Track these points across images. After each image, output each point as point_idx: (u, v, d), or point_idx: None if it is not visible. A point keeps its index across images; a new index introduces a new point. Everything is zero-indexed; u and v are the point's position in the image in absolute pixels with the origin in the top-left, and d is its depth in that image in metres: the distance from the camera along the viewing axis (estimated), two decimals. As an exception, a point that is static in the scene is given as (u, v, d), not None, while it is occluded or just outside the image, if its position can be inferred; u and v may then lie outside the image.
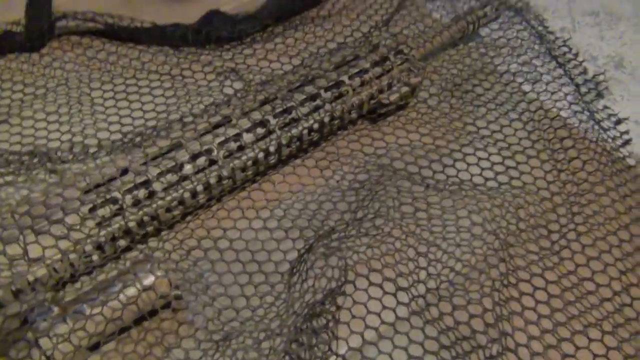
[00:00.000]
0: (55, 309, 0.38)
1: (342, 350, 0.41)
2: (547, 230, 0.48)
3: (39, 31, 0.62)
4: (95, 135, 0.54)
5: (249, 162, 0.48)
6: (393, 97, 0.54)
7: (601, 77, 0.59)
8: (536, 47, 0.63)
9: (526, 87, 0.58)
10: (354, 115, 0.54)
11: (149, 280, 0.40)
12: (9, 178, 0.48)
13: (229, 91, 0.58)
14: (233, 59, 0.61)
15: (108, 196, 0.43)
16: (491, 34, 0.63)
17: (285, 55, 0.61)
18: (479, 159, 0.53)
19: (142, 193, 0.44)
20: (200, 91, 0.58)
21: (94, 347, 0.39)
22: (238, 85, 0.59)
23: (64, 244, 0.41)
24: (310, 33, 0.63)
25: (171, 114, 0.56)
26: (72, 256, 0.42)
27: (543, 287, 0.45)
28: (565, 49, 0.62)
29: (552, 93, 0.58)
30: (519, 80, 0.59)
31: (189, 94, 0.58)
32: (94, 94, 0.58)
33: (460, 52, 0.61)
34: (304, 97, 0.50)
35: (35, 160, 0.50)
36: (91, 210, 0.42)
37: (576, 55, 0.61)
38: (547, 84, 0.59)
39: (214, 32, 0.61)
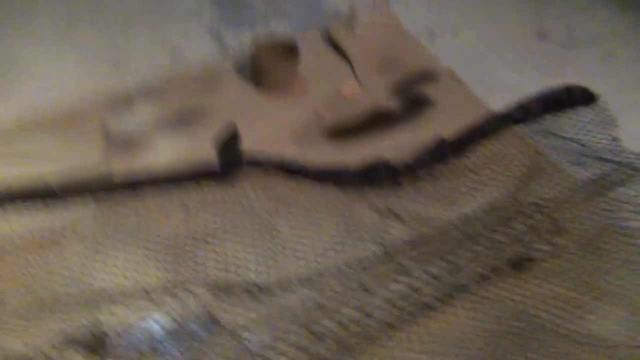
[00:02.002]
0: None
1: None
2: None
3: (231, 167, 0.75)
4: (281, 263, 0.65)
5: (421, 306, 0.58)
6: (539, 254, 0.62)
7: None
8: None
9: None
10: (504, 266, 0.62)
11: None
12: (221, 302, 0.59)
13: (391, 231, 0.68)
14: (392, 201, 0.72)
15: (311, 329, 0.53)
16: (619, 195, 0.71)
17: (438, 202, 0.71)
18: (611, 314, 0.60)
19: (335, 326, 0.54)
20: (367, 229, 0.69)
21: None
22: (398, 226, 0.69)
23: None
24: (459, 183, 0.73)
25: (343, 247, 0.66)
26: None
27: None
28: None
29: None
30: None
31: (357, 230, 0.68)
32: (277, 224, 0.69)
33: (590, 208, 0.69)
34: (467, 252, 0.60)
35: (242, 286, 0.61)
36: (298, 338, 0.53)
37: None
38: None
39: (377, 177, 0.73)
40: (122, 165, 0.77)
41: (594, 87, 0.86)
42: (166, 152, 0.80)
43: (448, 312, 0.61)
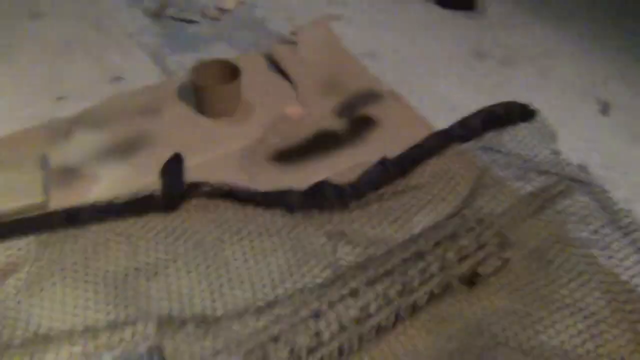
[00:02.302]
0: None
1: None
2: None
3: (176, 196, 0.73)
4: (232, 293, 0.63)
5: (374, 328, 0.57)
6: (488, 270, 0.63)
7: (665, 248, 0.68)
8: (602, 216, 0.72)
9: (602, 260, 0.67)
10: (455, 283, 0.62)
11: None
12: (169, 337, 0.57)
13: (341, 254, 0.67)
14: (341, 222, 0.71)
15: (265, 361, 0.52)
16: (563, 207, 0.72)
17: (385, 221, 0.71)
18: (567, 326, 0.61)
19: (289, 357, 0.53)
20: (316, 253, 0.68)
21: None
22: (347, 249, 0.68)
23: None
24: (405, 202, 0.73)
25: (294, 275, 0.65)
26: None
27: None
28: (628, 219, 0.71)
29: (622, 261, 0.66)
30: (595, 251, 0.67)
31: (306, 255, 0.67)
32: (227, 253, 0.68)
33: (538, 225, 0.70)
34: (417, 271, 0.59)
35: (190, 319, 0.59)
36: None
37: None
38: (617, 252, 0.67)
39: (324, 199, 0.72)
40: (63, 199, 0.74)
41: (533, 102, 0.88)
42: (108, 183, 0.77)
43: (401, 333, 0.60)
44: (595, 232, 0.70)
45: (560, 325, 0.61)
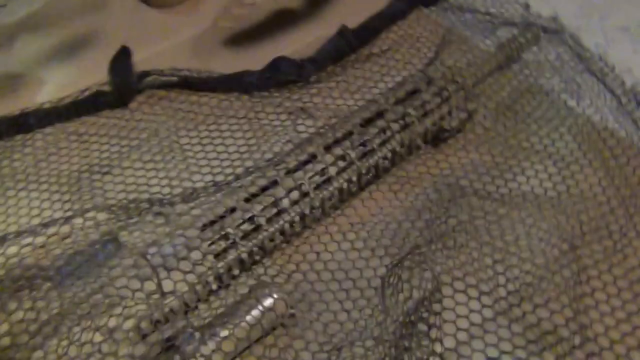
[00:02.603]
0: (197, 334, 0.44)
1: (439, 350, 0.47)
2: (608, 231, 0.54)
3: (125, 88, 0.69)
4: (190, 179, 0.61)
5: (335, 192, 0.54)
6: (453, 124, 0.60)
7: (639, 87, 0.64)
8: (575, 64, 0.68)
9: (571, 103, 0.64)
10: (419, 142, 0.60)
11: (269, 301, 0.46)
12: (131, 227, 0.55)
13: (302, 128, 0.64)
14: (301, 99, 0.68)
15: (222, 232, 0.50)
16: (534, 57, 0.69)
17: (347, 92, 0.68)
18: (537, 171, 0.59)
19: (249, 227, 0.51)
20: (277, 131, 0.65)
21: (228, 364, 0.45)
22: (309, 122, 0.65)
23: (190, 278, 0.48)
24: (367, 70, 0.69)
25: (253, 154, 0.63)
26: (198, 287, 0.48)
27: (612, 282, 0.50)
28: (601, 64, 0.67)
29: (595, 105, 0.63)
30: (564, 96, 0.65)
31: (266, 134, 0.65)
32: (183, 140, 0.65)
33: (507, 76, 0.67)
34: (377, 130, 0.56)
35: (148, 206, 0.57)
36: (209, 245, 0.49)
37: (613, 69, 0.66)
38: (590, 96, 0.64)
39: (281, 76, 0.68)
40: (8, 107, 0.70)
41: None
42: (55, 86, 0.73)
43: (367, 198, 0.58)
44: (567, 80, 0.67)
45: (530, 172, 0.59)
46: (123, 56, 0.73)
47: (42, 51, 0.78)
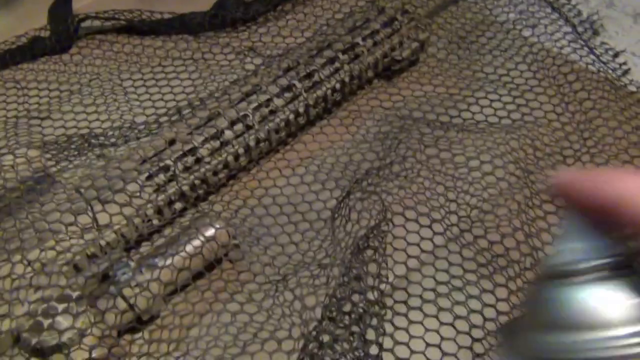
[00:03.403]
0: (132, 263, 0.42)
1: (390, 278, 0.45)
2: (562, 156, 0.53)
3: (65, 33, 0.66)
4: (133, 120, 0.58)
5: (282, 124, 0.52)
6: (405, 53, 0.58)
7: (595, 17, 0.63)
8: (530, -4, 0.67)
9: (526, 33, 0.62)
10: (370, 74, 0.58)
11: (210, 231, 0.44)
12: (65, 163, 0.52)
13: (250, 67, 0.62)
14: (249, 39, 0.65)
15: (161, 164, 0.47)
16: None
17: (298, 30, 0.65)
18: (491, 100, 0.57)
19: (190, 160, 0.48)
20: (224, 70, 0.62)
21: (168, 295, 0.43)
22: (257, 61, 0.63)
23: (127, 211, 0.45)
24: (318, 7, 0.67)
25: (200, 94, 0.60)
26: (136, 220, 0.46)
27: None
28: (558, -6, 0.66)
29: (551, 34, 0.62)
30: (519, 27, 0.63)
31: (213, 74, 0.62)
32: (125, 84, 0.62)
33: (461, 7, 0.65)
34: (324, 60, 0.54)
35: (85, 144, 0.54)
36: (148, 178, 0.47)
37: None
38: (545, 26, 0.63)
39: (228, 15, 0.65)
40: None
41: None
42: (-8, 36, 0.70)
43: (317, 132, 0.56)
44: (523, 11, 0.65)
45: (484, 101, 0.57)
46: (62, 1, 0.70)
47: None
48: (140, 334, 0.43)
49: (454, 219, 0.49)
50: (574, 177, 0.19)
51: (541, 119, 0.55)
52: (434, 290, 0.45)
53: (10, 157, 0.49)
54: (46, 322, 0.38)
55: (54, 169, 0.50)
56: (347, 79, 0.55)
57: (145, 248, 0.48)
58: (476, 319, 0.43)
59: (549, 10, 0.65)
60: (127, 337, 0.43)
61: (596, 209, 0.18)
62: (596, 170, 0.44)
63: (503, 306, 0.43)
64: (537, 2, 0.65)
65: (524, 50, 0.61)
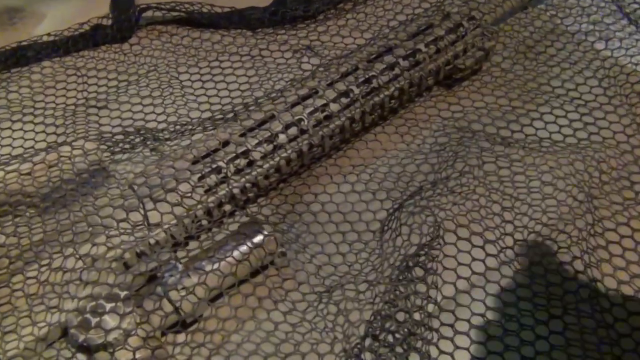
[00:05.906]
0: (180, 266, 0.42)
1: (438, 298, 0.44)
2: (629, 182, 0.50)
3: (126, 23, 0.66)
4: (188, 115, 0.58)
5: (336, 130, 0.51)
6: (468, 62, 0.56)
7: (676, 32, 0.59)
8: (606, 5, 0.63)
9: (599, 46, 0.59)
10: (430, 81, 0.56)
11: (259, 238, 0.44)
12: (120, 156, 0.53)
13: (307, 67, 0.61)
14: (307, 37, 0.64)
15: (214, 166, 0.47)
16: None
17: (357, 30, 0.64)
18: (557, 117, 0.54)
19: (243, 162, 0.48)
20: (280, 68, 0.61)
21: (213, 300, 0.43)
22: (315, 61, 0.62)
23: (178, 210, 0.45)
24: (380, 7, 0.65)
25: (255, 92, 0.60)
26: (186, 221, 0.46)
27: (629, 235, 0.46)
28: (635, 5, 0.62)
29: (627, 49, 0.58)
30: (591, 39, 0.60)
31: (269, 72, 0.61)
32: (182, 77, 0.62)
33: (530, 15, 0.62)
34: (384, 66, 0.53)
35: (140, 139, 0.54)
36: (200, 179, 0.47)
37: (648, 10, 0.61)
38: (620, 40, 0.59)
39: (288, 12, 0.65)
40: (7, 41, 0.68)
41: None
42: (56, 20, 0.71)
43: (371, 139, 0.55)
44: (597, 22, 0.62)
45: (549, 117, 0.54)
46: (125, -10, 0.71)
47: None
48: (182, 337, 0.43)
49: (509, 241, 0.47)
50: None
51: (609, 140, 0.52)
52: (482, 315, 0.43)
53: (68, 148, 0.50)
54: (94, 321, 0.38)
55: (108, 162, 0.51)
56: (406, 87, 0.53)
57: (190, 247, 0.48)
58: (527, 351, 0.41)
59: (625, 22, 0.61)
60: (169, 338, 0.43)
61: None
62: None
63: (557, 339, 0.41)
64: (613, 13, 0.62)
65: (595, 64, 0.57)
